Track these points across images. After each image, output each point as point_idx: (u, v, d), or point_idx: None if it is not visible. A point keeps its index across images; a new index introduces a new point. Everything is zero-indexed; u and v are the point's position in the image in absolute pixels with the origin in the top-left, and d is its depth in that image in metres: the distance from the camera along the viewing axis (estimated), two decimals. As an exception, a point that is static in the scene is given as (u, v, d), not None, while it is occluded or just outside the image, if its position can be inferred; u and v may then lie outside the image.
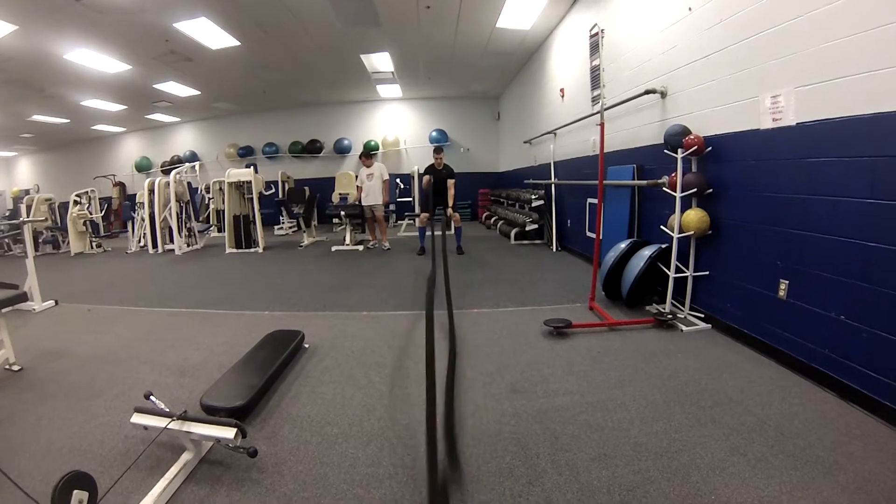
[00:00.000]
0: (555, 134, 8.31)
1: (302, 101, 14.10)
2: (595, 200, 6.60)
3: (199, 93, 11.91)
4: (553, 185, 8.37)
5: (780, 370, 3.16)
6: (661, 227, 4.35)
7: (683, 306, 4.26)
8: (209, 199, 12.42)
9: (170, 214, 9.68)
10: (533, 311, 4.67)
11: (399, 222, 12.71)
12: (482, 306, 4.86)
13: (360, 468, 2.21)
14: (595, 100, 6.33)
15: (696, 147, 3.91)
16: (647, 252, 4.43)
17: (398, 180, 13.49)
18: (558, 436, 2.45)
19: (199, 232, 10.67)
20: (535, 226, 8.92)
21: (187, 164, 11.69)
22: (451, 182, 7.90)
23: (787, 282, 3.20)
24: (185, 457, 2.16)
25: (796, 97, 3.03)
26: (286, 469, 2.21)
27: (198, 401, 2.64)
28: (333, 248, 9.02)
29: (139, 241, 10.40)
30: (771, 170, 3.32)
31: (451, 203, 7.84)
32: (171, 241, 9.76)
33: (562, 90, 7.94)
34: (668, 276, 4.25)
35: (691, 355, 3.49)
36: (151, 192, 9.75)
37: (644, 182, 4.93)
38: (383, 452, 2.34)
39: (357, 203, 9.05)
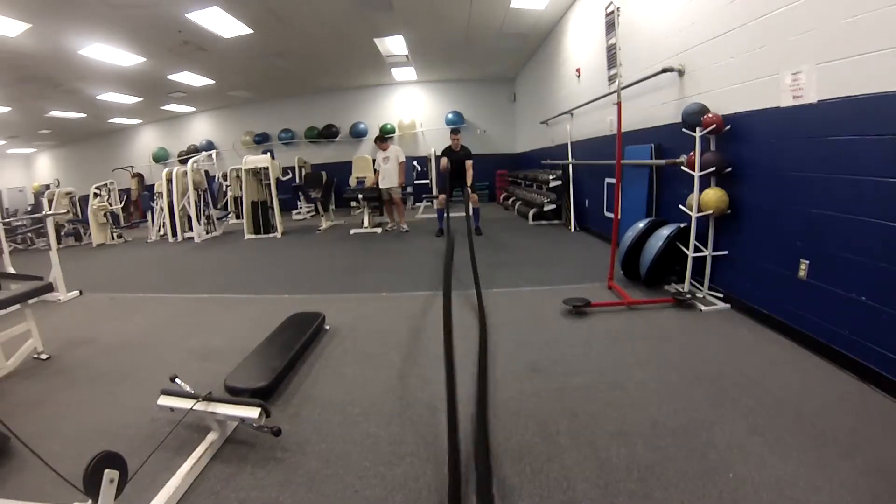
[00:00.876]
0: (571, 114, 8.22)
1: (317, 86, 14.08)
2: (613, 180, 6.54)
3: (213, 82, 11.92)
4: (570, 166, 8.30)
5: (799, 351, 3.12)
6: (680, 206, 4.30)
7: (702, 286, 4.23)
8: (227, 186, 12.53)
9: (188, 203, 9.80)
10: (552, 290, 4.68)
11: (417, 205, 12.74)
12: (502, 286, 4.90)
13: (382, 446, 2.26)
14: (612, 79, 6.24)
15: (714, 125, 3.84)
16: (665, 231, 4.39)
17: (415, 163, 13.49)
18: (577, 414, 2.47)
19: (217, 219, 10.80)
20: (553, 206, 8.88)
21: (204, 153, 11.81)
22: (468, 163, 7.89)
23: (807, 262, 3.14)
24: (211, 437, 2.23)
25: (818, 74, 2.94)
26: (309, 448, 2.26)
27: (221, 383, 2.72)
28: (352, 232, 9.10)
29: (159, 231, 10.56)
30: (791, 148, 3.25)
31: (469, 183, 7.83)
32: (191, 229, 9.88)
33: (577, 70, 7.83)
34: (686, 255, 4.21)
35: (710, 335, 3.48)
36: (169, 181, 9.88)
37: (662, 161, 4.87)
38: (405, 431, 2.38)
39: (374, 186, 9.10)
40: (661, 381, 2.81)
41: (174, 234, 9.95)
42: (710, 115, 3.91)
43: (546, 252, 6.69)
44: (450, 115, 14.38)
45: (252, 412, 2.10)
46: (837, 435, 2.20)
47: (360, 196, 9.17)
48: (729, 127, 3.83)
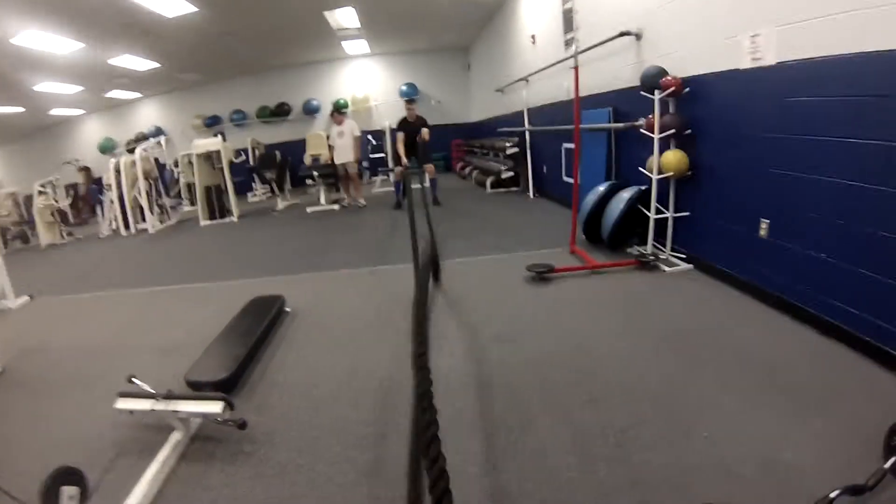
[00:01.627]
0: (527, 81, 8.13)
1: (268, 64, 13.52)
2: (571, 146, 6.52)
3: (159, 65, 11.18)
4: (527, 132, 8.25)
5: (762, 308, 3.18)
6: (640, 169, 4.30)
7: (665, 247, 4.27)
8: (178, 173, 12.07)
9: (139, 193, 9.37)
10: (515, 257, 4.68)
11: (373, 179, 12.54)
12: (464, 255, 4.88)
13: (351, 429, 2.20)
14: (569, 43, 6.16)
15: (673, 88, 3.82)
16: (626, 194, 4.41)
17: (370, 136, 13.20)
18: (549, 382, 2.46)
19: (171, 208, 10.41)
20: (511, 173, 8.86)
21: (152, 140, 11.31)
22: (424, 130, 7.82)
23: (767, 221, 3.19)
24: (175, 436, 2.11)
25: (777, 36, 2.95)
26: (278, 437, 2.18)
27: (183, 378, 2.60)
28: (309, 210, 8.88)
29: (111, 224, 10.05)
30: (751, 110, 3.26)
31: (425, 136, 7.77)
32: (144, 220, 9.47)
33: (532, 36, 7.72)
34: (648, 217, 4.24)
35: (676, 296, 3.52)
36: (118, 171, 9.38)
37: (621, 125, 4.86)
38: (374, 412, 2.33)
39: (329, 163, 8.87)
40: (631, 344, 2.83)
41: (127, 226, 9.49)
42: (669, 78, 3.88)
43: (506, 219, 6.70)
44: (404, 88, 14.11)
45: (215, 407, 2.00)
46: (805, 388, 2.25)
47: (316, 173, 8.94)
48: (688, 89, 3.81)
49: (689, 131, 3.88)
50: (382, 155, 12.88)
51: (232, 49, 11.02)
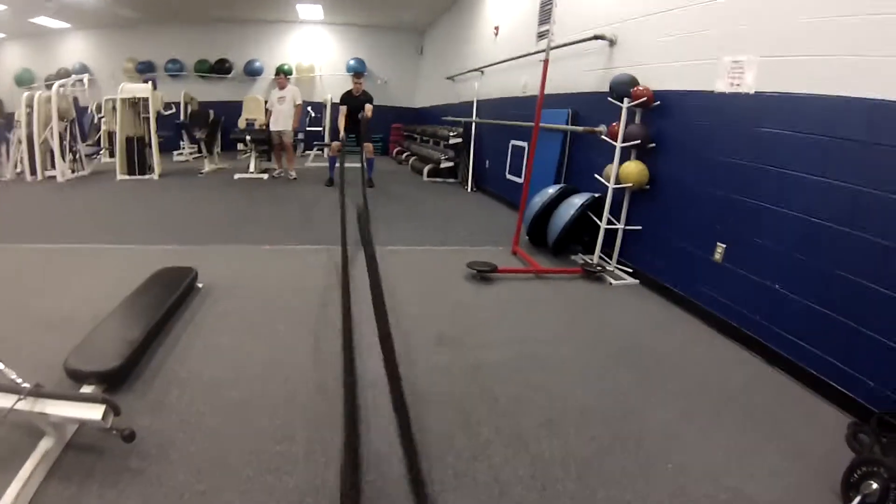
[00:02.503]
0: (482, 72, 7.88)
1: (213, 15, 12.41)
2: (520, 143, 6.34)
3: None
4: (474, 124, 7.99)
5: (710, 331, 3.11)
6: (596, 175, 4.15)
7: (611, 259, 4.15)
8: (100, 118, 10.85)
9: (51, 135, 8.30)
10: (453, 251, 4.41)
11: (307, 152, 11.80)
12: (399, 244, 4.56)
13: (267, 446, 1.79)
14: (542, 35, 5.91)
15: (645, 98, 3.69)
16: (577, 200, 4.23)
17: (310, 108, 12.49)
18: (498, 397, 2.20)
19: (86, 156, 9.30)
20: (451, 164, 8.56)
21: (74, 77, 10.08)
22: (368, 107, 7.29)
23: (724, 245, 3.13)
24: (45, 444, 1.60)
25: (759, 66, 2.91)
26: (175, 451, 1.72)
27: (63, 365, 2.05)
28: (236, 177, 8.14)
29: (15, 168, 8.86)
30: (721, 133, 3.21)
31: (367, 114, 7.24)
32: (53, 166, 8.41)
33: (496, 28, 7.44)
34: (597, 226, 4.10)
35: (625, 311, 3.39)
36: (30, 107, 8.25)
37: (580, 128, 4.69)
38: (295, 422, 1.93)
39: (264, 128, 8.21)
40: (583, 358, 2.64)
41: (33, 171, 8.36)
42: (641, 88, 3.74)
43: (443, 209, 6.42)
44: (351, 62, 13.44)
45: (94, 411, 1.54)
46: (759, 418, 2.21)
47: (249, 138, 8.23)
48: (658, 103, 3.70)
49: (652, 144, 3.76)
50: (320, 129, 12.21)
51: None
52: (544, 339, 2.85)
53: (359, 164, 7.12)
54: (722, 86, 3.16)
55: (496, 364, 2.49)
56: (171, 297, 2.70)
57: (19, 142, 8.47)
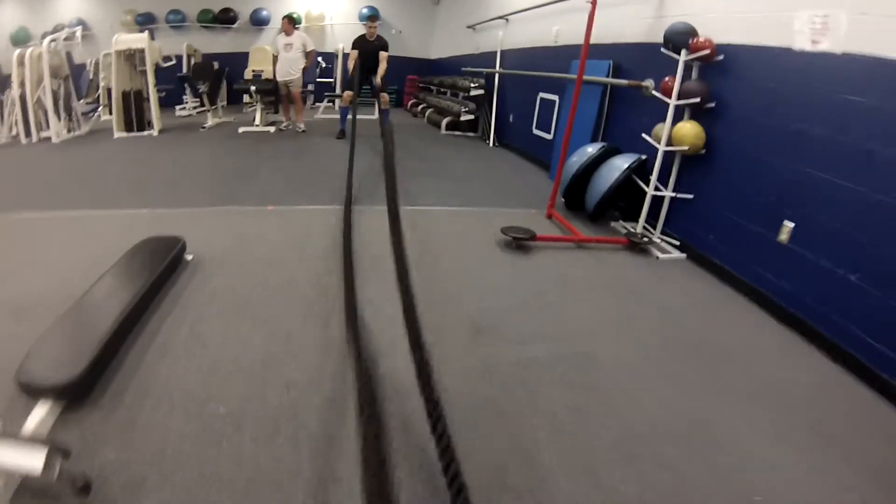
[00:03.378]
0: (507, 20, 7.22)
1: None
2: (549, 96, 5.79)
3: None
4: (497, 76, 7.39)
5: (771, 322, 2.70)
6: (644, 135, 3.66)
7: (654, 229, 3.69)
8: (100, 75, 10.24)
9: (44, 94, 7.76)
10: (481, 214, 3.98)
11: (317, 104, 11.18)
12: (420, 203, 4.11)
13: (263, 490, 1.37)
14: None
15: (707, 52, 3.15)
16: (621, 162, 3.75)
17: (320, 59, 11.84)
18: (555, 407, 1.80)
19: (83, 114, 8.78)
20: (471, 117, 7.95)
21: (66, 30, 9.47)
22: (383, 54, 6.67)
23: (792, 225, 2.67)
24: None
25: (849, 23, 2.41)
26: (146, 496, 1.30)
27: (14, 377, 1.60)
28: (241, 130, 7.59)
29: (11, 130, 8.35)
30: (795, 97, 2.72)
31: (381, 73, 6.66)
32: (48, 126, 7.91)
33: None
34: (638, 192, 3.67)
35: (674, 291, 2.97)
36: (22, 65, 7.70)
37: (625, 82, 4.15)
38: (301, 452, 1.50)
39: (271, 78, 7.63)
40: (641, 354, 2.24)
41: (28, 133, 7.86)
42: (702, 39, 3.20)
43: (465, 165, 5.91)
44: (364, 11, 12.61)
45: (32, 459, 1.12)
46: (833, 430, 1.86)
47: (253, 88, 7.57)
48: (721, 57, 3.17)
49: (712, 104, 3.25)
50: (331, 80, 11.55)
51: None
52: (595, 328, 2.43)
53: (371, 116, 6.59)
54: (802, 42, 2.65)
55: (544, 362, 2.09)
56: (152, 275, 2.26)
57: (12, 103, 7.97)
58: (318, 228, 3.40)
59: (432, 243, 3.28)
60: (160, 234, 2.80)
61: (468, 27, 9.10)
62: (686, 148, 3.28)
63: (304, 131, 7.57)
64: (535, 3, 6.17)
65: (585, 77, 4.50)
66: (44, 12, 12.80)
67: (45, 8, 12.82)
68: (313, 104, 11.45)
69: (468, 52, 9.28)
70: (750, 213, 2.99)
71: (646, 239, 3.53)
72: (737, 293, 2.98)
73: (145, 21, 12.58)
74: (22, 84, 7.51)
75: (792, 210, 2.70)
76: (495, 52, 7.48)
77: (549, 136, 5.77)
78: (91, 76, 10.16)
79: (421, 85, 12.14)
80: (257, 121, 7.68)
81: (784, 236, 2.70)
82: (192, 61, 11.43)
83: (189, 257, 2.78)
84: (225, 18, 12.56)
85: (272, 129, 7.61)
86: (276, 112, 8.18)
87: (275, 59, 7.47)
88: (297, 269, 2.77)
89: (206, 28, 12.66)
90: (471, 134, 8.19)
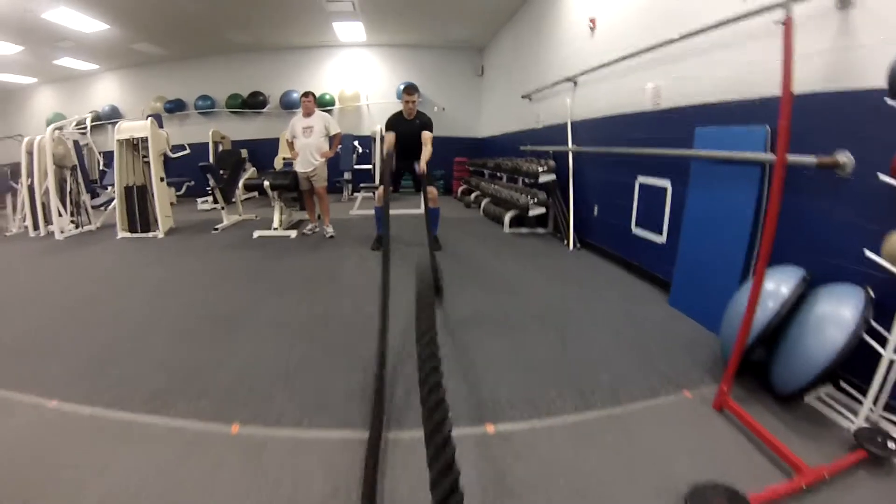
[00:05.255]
0: (575, 82, 5.86)
1: (242, 44, 11.20)
2: (655, 181, 4.22)
3: (107, 26, 9.05)
4: (570, 154, 5.93)
5: None
6: (868, 253, 2.06)
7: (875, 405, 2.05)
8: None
9: (52, 185, 6.90)
10: (608, 421, 2.21)
11: (354, 195, 10.06)
12: (491, 405, 2.29)
13: None
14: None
15: None
16: (846, 309, 2.11)
17: (356, 143, 10.78)
18: None
19: (95, 207, 7.95)
20: (542, 210, 6.38)
21: (75, 117, 8.87)
22: (427, 135, 5.26)
23: None
24: None
25: None
26: None
27: None
28: (256, 235, 6.38)
29: (23, 221, 7.60)
30: None
31: (425, 158, 5.20)
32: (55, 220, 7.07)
33: (592, 20, 5.44)
34: (874, 353, 2.01)
35: None
36: (30, 154, 6.95)
37: (811, 159, 2.55)
38: None
39: (289, 170, 6.43)
40: None
41: (35, 226, 7.09)
42: None
43: (546, 288, 4.22)
44: (402, 87, 11.78)
45: None
46: None
47: (266, 183, 6.28)
48: None
49: None
50: (369, 167, 10.42)
51: (194, 16, 8.90)
52: None
53: (415, 211, 5.13)
54: None
55: None
56: None
57: (22, 194, 7.33)
58: (321, 485, 1.76)
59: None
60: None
61: (523, 97, 7.82)
62: None
63: (332, 237, 6.25)
64: (610, 54, 4.79)
65: (720, 153, 3.03)
66: (80, 97, 12.96)
67: (81, 93, 12.99)
68: (350, 195, 10.34)
69: (526, 126, 8.02)
70: None
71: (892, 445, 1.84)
72: None
73: (174, 108, 12.35)
74: (31, 174, 6.90)
75: None
76: (563, 125, 6.12)
77: (660, 239, 4.16)
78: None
79: (471, 168, 10.86)
80: (275, 223, 6.44)
81: None
82: (220, 148, 10.71)
83: None
84: (254, 103, 12.07)
85: (294, 233, 6.36)
86: (303, 208, 6.89)
87: (290, 145, 6.24)
88: None
89: (236, 113, 12.14)
90: (540, 230, 6.69)
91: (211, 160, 10.46)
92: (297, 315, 3.53)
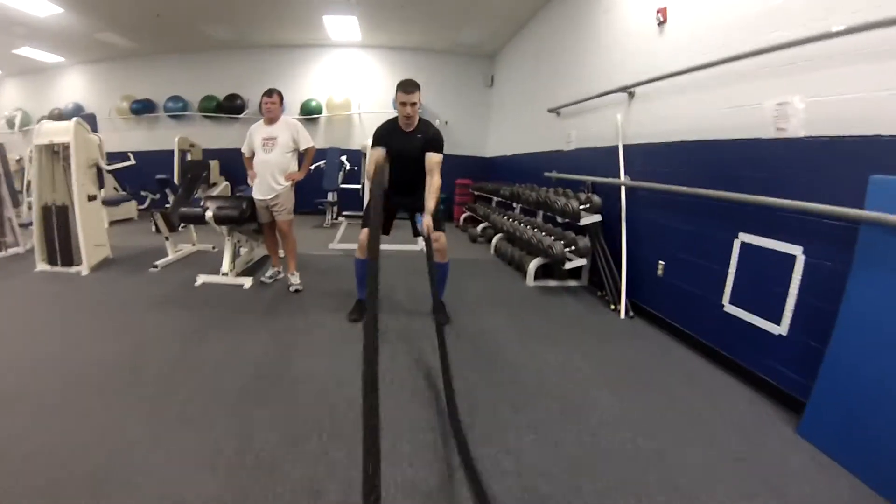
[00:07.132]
0: (631, 93, 4.45)
1: (218, 39, 9.87)
2: (774, 245, 2.79)
3: (61, 10, 7.91)
4: (623, 189, 4.48)
5: None
6: None
7: None
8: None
9: None
10: None
11: (339, 219, 8.52)
12: None
13: None
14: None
15: None
16: None
17: (344, 158, 9.33)
18: None
19: (22, 226, 6.51)
20: (584, 261, 4.91)
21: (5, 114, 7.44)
22: (434, 159, 3.60)
23: None
24: None
25: None
26: None
27: None
28: (199, 281, 4.74)
29: None
30: None
31: (434, 195, 3.53)
32: None
33: (661, 12, 4.04)
34: None
35: None
36: None
37: None
38: None
39: (243, 195, 4.90)
40: None
41: None
42: None
43: (627, 413, 2.61)
44: (398, 84, 10.37)
45: None
46: None
47: (210, 215, 4.50)
48: None
49: None
50: (359, 186, 8.86)
51: (167, 5, 7.88)
52: None
53: (412, 247, 3.61)
54: None
55: None
56: None
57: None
58: None
59: None
60: None
61: (550, 111, 6.38)
62: None
63: (297, 290, 4.61)
64: (701, 56, 3.39)
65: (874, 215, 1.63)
66: (44, 93, 11.67)
67: (45, 89, 11.72)
68: (335, 218, 8.85)
69: (549, 147, 6.63)
70: None
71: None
72: None
73: (142, 108, 10.95)
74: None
75: None
76: (608, 149, 4.73)
77: (776, 328, 2.77)
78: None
79: (476, 194, 9.40)
80: (224, 267, 4.83)
81: None
82: (189, 157, 9.28)
83: None
84: (231, 107, 10.61)
85: (249, 281, 4.76)
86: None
87: (248, 161, 4.65)
88: None
89: (210, 118, 10.66)
90: (572, 283, 5.18)
91: (176, 172, 9.01)
92: (203, 486, 1.92)
